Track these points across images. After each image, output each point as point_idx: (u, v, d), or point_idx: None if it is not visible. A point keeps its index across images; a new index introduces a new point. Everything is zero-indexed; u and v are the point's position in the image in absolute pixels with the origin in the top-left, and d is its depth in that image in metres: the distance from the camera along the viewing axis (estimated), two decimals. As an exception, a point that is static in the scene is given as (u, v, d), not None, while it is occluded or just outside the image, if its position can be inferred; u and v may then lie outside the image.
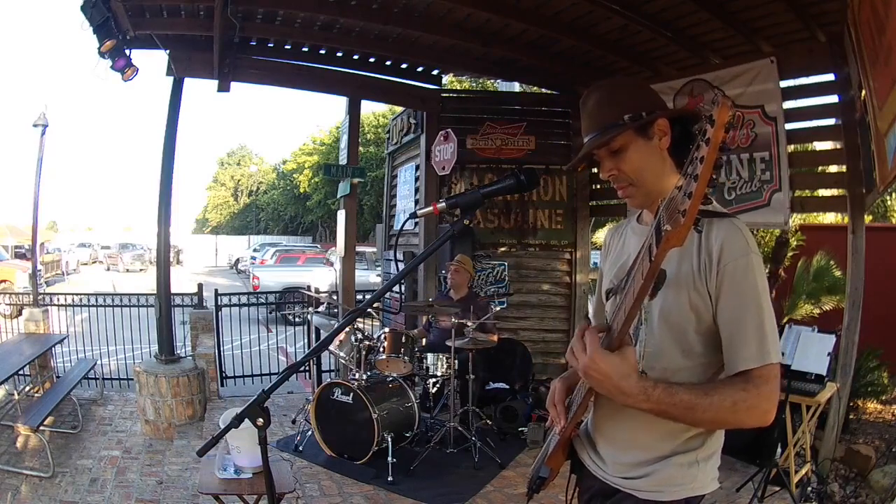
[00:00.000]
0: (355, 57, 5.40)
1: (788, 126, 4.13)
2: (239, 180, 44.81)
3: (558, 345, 5.86)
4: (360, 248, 12.97)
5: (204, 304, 6.32)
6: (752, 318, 1.09)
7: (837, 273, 4.84)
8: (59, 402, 4.39)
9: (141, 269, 24.72)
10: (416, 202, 6.18)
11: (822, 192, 4.63)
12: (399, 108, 7.63)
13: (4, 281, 12.96)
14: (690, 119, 1.23)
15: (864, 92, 3.48)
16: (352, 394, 3.75)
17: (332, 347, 4.00)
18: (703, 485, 1.20)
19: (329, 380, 4.76)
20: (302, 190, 30.78)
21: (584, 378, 1.12)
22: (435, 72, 5.89)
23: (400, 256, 6.06)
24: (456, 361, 4.04)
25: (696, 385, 1.10)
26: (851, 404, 4.32)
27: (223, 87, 4.95)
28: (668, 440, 1.19)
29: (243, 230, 39.92)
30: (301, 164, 30.88)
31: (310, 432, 4.02)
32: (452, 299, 4.56)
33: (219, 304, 5.75)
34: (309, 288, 6.73)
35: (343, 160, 5.73)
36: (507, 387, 4.76)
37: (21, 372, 4.75)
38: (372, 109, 25.69)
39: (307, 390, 5.53)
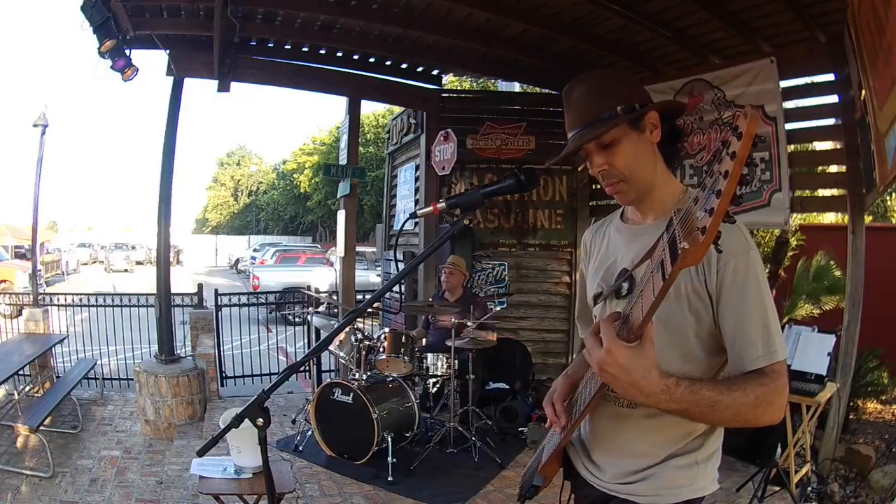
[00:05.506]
0: (355, 57, 5.40)
1: (788, 126, 4.12)
2: (239, 180, 44.80)
3: (558, 345, 5.86)
4: (360, 248, 12.96)
5: (204, 304, 6.32)
6: (755, 316, 1.05)
7: (837, 273, 4.83)
8: (59, 402, 4.39)
9: (128, 269, 25.48)
10: (416, 202, 6.18)
11: (822, 192, 4.63)
12: (399, 108, 7.63)
13: (4, 281, 12.94)
14: (676, 114, 1.22)
15: (864, 92, 3.47)
16: (352, 394, 3.75)
17: (332, 347, 4.00)
18: (703, 486, 1.17)
19: (329, 380, 4.75)
20: (302, 190, 30.80)
21: (599, 375, 1.00)
22: (435, 72, 5.89)
23: (400, 256, 6.06)
24: (456, 361, 4.04)
25: (717, 381, 1.06)
26: (851, 404, 4.31)
27: (223, 87, 4.96)
28: (666, 446, 1.16)
29: (243, 230, 39.94)
30: (301, 164, 30.89)
31: (310, 432, 4.02)
32: (448, 301, 4.55)
33: (219, 304, 5.74)
34: (309, 288, 6.73)
35: (343, 160, 5.72)
36: (507, 387, 4.76)
37: (21, 372, 4.74)
38: (372, 109, 25.73)
39: (307, 390, 5.53)
